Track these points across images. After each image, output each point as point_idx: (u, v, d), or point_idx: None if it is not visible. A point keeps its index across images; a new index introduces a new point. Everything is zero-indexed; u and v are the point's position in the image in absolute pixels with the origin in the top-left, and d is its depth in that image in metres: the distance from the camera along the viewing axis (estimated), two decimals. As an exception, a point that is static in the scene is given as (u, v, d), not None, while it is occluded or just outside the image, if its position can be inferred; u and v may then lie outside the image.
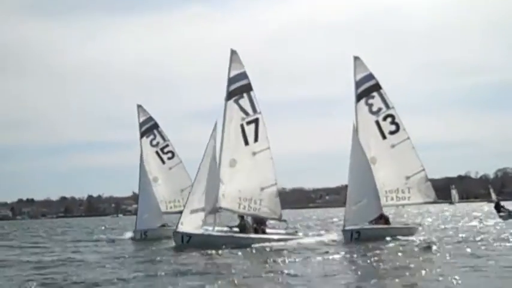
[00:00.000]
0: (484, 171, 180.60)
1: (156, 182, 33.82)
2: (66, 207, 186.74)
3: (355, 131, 26.34)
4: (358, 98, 27.57)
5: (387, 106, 27.44)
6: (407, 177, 27.31)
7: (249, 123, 25.05)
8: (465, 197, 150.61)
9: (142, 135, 34.59)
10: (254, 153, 25.23)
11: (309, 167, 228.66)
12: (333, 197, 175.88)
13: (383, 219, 26.95)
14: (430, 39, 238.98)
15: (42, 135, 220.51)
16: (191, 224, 23.60)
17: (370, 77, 27.49)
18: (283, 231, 26.33)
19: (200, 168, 24.26)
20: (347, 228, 25.05)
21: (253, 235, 24.47)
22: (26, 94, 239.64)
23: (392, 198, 27.57)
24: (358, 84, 27.59)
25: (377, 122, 27.36)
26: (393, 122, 27.35)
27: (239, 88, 24.99)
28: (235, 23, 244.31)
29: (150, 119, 34.85)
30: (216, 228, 24.72)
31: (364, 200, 25.30)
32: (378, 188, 26.11)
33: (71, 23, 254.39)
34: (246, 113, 25.12)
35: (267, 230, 25.83)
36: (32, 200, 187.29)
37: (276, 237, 24.77)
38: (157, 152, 34.60)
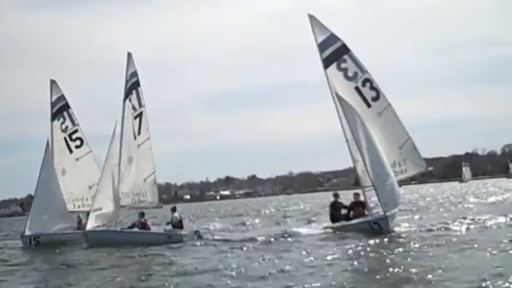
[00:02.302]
0: (491, 147, 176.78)
1: (64, 175, 28.03)
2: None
3: (339, 96, 22.23)
4: (327, 63, 22.94)
5: (362, 70, 22.91)
6: (400, 147, 22.84)
7: (136, 117, 24.98)
8: (474, 174, 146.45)
9: (53, 117, 28.80)
10: (138, 146, 24.84)
11: (316, 151, 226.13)
12: (341, 179, 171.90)
13: (360, 204, 22.76)
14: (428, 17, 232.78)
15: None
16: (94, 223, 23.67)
17: (334, 38, 22.92)
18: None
19: (104, 167, 24.51)
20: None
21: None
22: (31, 86, 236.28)
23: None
24: (322, 47, 22.90)
25: (357, 89, 22.85)
26: (372, 87, 22.82)
27: (132, 85, 25.13)
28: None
29: (62, 97, 28.91)
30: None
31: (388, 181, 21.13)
32: None
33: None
34: (135, 109, 25.09)
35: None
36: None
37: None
38: (65, 139, 28.72)
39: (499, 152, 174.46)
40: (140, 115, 25.00)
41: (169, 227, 24.51)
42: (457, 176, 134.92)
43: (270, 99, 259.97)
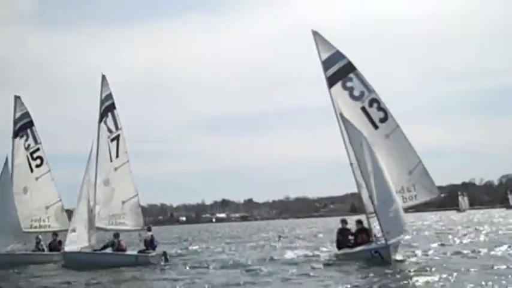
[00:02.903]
0: (488, 177, 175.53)
1: (26, 194, 27.22)
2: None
3: (343, 116, 20.83)
4: (332, 81, 21.55)
5: (368, 89, 21.50)
6: (410, 172, 21.31)
7: (112, 140, 24.94)
8: (470, 204, 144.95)
9: (15, 134, 27.87)
10: (116, 169, 24.85)
11: (314, 176, 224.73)
12: (338, 205, 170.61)
13: (363, 231, 21.46)
14: (431, 47, 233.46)
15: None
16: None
17: (339, 55, 21.55)
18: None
19: (82, 188, 24.45)
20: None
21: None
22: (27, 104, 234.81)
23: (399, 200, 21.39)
24: (326, 64, 21.50)
25: (363, 109, 21.43)
26: (380, 108, 21.40)
27: (107, 108, 25.15)
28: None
29: (27, 114, 28.07)
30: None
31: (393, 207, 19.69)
32: None
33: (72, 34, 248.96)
34: (110, 131, 25.09)
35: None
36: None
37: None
38: (27, 157, 27.84)
39: (496, 182, 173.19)
40: (117, 138, 25.02)
41: (143, 247, 24.14)
42: (454, 205, 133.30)
43: (268, 124, 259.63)
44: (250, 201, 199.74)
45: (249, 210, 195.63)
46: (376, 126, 21.43)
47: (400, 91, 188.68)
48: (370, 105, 21.40)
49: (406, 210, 21.36)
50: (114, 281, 18.62)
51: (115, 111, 25.22)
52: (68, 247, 23.67)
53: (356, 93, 21.47)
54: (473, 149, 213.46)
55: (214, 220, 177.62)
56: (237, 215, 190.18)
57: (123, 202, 24.68)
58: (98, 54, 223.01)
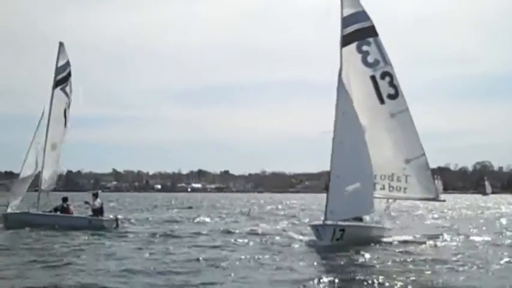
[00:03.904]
0: (462, 163, 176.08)
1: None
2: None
3: (341, 82, 17.88)
4: (347, 40, 18.66)
5: (385, 60, 18.74)
6: (407, 161, 18.73)
7: (69, 106, 25.17)
8: (444, 188, 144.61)
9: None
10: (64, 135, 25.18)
11: (290, 151, 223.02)
12: (314, 182, 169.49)
13: None
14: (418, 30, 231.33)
15: (23, 107, 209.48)
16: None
17: (364, 16, 18.70)
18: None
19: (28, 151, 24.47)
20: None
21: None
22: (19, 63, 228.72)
23: (383, 187, 18.85)
24: (346, 21, 18.64)
25: (373, 78, 18.71)
26: (392, 84, 18.69)
27: (66, 77, 25.33)
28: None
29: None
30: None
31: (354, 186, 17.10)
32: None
33: None
34: (68, 97, 25.25)
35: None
36: (11, 172, 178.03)
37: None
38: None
39: (470, 168, 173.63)
40: (69, 105, 25.27)
41: (90, 212, 24.04)
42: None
43: (249, 97, 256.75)
44: (226, 172, 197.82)
45: (225, 182, 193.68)
46: (382, 101, 18.85)
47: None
48: (382, 77, 18.74)
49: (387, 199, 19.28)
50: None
51: (70, 79, 25.39)
52: (13, 209, 23.85)
53: (370, 59, 18.76)
54: (453, 134, 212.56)
55: (189, 190, 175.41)
56: (213, 186, 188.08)
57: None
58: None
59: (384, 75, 18.79)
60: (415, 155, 18.82)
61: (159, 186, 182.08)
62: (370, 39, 18.77)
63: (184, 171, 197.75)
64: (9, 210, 23.71)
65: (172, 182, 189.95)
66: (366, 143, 17.16)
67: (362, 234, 17.57)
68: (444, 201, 20.96)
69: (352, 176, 16.94)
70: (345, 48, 18.69)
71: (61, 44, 25.45)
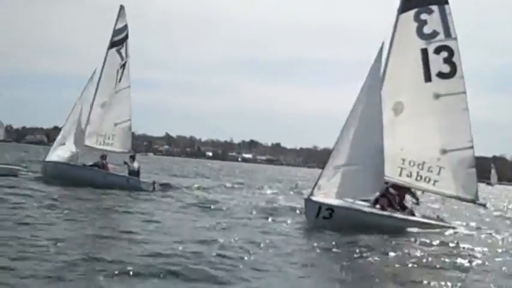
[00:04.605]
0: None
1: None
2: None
3: (380, 52, 16.03)
4: (406, 7, 16.30)
5: (447, 33, 16.17)
6: (443, 151, 16.25)
7: (121, 66, 25.21)
8: (498, 178, 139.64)
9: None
10: (116, 92, 24.96)
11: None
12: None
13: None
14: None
15: (77, 64, 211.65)
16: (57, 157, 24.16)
17: None
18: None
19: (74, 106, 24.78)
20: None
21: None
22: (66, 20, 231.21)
23: (409, 175, 16.36)
24: None
25: (424, 52, 16.26)
26: (449, 61, 16.11)
27: (122, 39, 25.44)
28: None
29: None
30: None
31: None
32: (392, 153, 15.99)
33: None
34: (122, 58, 25.35)
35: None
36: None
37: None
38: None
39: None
40: (124, 65, 25.36)
41: (126, 172, 24.20)
42: (484, 179, 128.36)
43: (305, 73, 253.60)
44: (278, 145, 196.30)
45: (276, 154, 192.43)
46: (429, 79, 16.32)
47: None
48: (437, 52, 16.24)
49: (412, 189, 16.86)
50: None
51: (127, 41, 25.61)
52: (52, 158, 24.35)
53: (427, 30, 16.34)
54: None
55: (240, 159, 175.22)
56: (264, 157, 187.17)
57: (116, 124, 25.00)
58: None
59: (439, 49, 16.33)
60: (456, 147, 16.34)
61: (210, 154, 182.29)
62: (434, 7, 16.30)
63: (236, 141, 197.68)
64: (47, 159, 24.46)
65: (223, 151, 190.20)
66: (380, 122, 15.72)
67: (365, 220, 15.18)
68: (485, 206, 17.86)
69: (354, 154, 15.53)
70: (402, 15, 16.48)
71: (121, 7, 25.67)
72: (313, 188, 15.64)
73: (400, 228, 15.22)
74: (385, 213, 15.89)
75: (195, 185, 28.54)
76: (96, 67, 25.31)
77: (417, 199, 16.98)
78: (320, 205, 15.00)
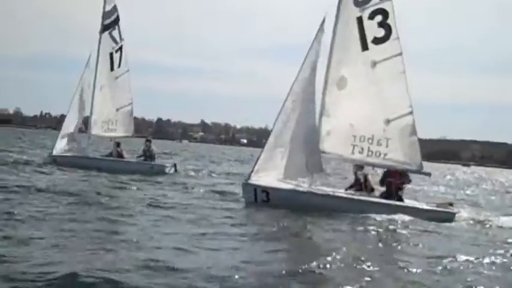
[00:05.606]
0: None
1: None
2: (135, 127, 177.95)
3: (321, 29, 15.09)
4: None
5: None
6: (387, 121, 15.03)
7: (117, 51, 24.87)
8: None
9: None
10: (116, 78, 24.72)
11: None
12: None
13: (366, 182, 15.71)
14: None
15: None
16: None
17: None
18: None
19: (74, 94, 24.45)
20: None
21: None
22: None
23: (361, 151, 15.19)
24: None
25: (359, 20, 14.96)
26: (383, 24, 14.77)
27: (114, 22, 25.00)
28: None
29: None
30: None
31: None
32: (343, 130, 15.13)
33: None
34: (116, 42, 24.93)
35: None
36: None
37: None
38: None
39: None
40: (120, 48, 24.95)
41: (141, 158, 24.13)
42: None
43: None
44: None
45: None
46: (366, 47, 15.04)
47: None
48: (371, 17, 14.86)
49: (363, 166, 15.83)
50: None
51: (119, 23, 25.13)
52: (59, 150, 23.95)
53: None
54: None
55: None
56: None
57: (117, 109, 24.69)
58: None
59: (373, 14, 14.88)
60: (397, 114, 15.01)
61: (244, 141, 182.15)
62: None
63: (271, 128, 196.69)
64: (54, 153, 23.76)
65: (258, 138, 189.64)
66: (313, 103, 15.11)
67: (304, 200, 14.34)
68: (429, 174, 16.03)
69: (288, 134, 15.18)
70: None
71: None
72: (251, 171, 15.10)
73: (344, 208, 14.10)
74: (324, 193, 14.91)
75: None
76: (91, 52, 24.84)
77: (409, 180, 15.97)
78: (255, 188, 14.58)
